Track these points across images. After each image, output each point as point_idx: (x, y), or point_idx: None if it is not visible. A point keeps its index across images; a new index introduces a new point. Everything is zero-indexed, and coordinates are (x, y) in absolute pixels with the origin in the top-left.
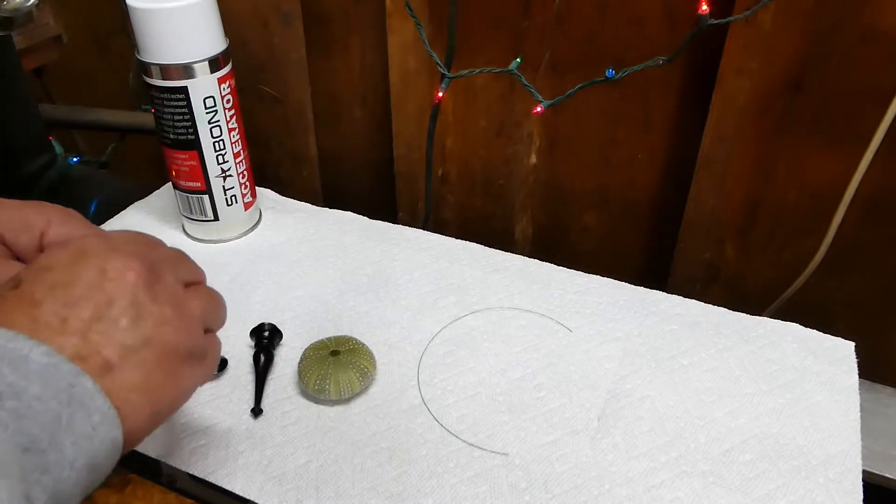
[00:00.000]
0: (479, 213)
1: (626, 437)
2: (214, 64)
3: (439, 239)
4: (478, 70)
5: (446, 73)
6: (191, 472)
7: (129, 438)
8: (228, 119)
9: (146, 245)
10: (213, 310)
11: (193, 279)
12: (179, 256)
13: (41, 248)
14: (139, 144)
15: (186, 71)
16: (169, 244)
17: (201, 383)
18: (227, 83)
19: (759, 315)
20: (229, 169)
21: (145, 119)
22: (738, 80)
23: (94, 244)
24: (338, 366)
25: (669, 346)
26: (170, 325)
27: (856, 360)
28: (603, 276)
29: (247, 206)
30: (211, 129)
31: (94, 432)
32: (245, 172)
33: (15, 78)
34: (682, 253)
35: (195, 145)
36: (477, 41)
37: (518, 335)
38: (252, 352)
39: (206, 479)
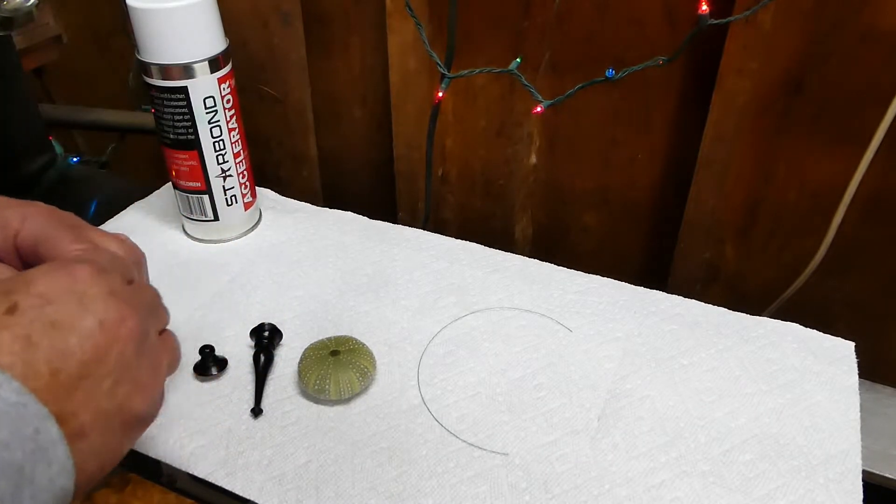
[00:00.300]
0: (479, 213)
1: (626, 437)
2: (214, 64)
3: (439, 239)
4: (478, 70)
5: (446, 73)
6: (191, 472)
7: (75, 492)
8: (228, 119)
9: (137, 287)
10: (175, 360)
11: (164, 324)
12: (156, 299)
13: (15, 248)
14: (139, 144)
15: (186, 71)
16: (169, 244)
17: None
18: (227, 83)
19: (759, 315)
20: (229, 169)
21: (145, 119)
22: (738, 80)
23: (97, 285)
24: (338, 366)
25: (669, 346)
26: (141, 393)
27: (856, 360)
28: (603, 276)
29: (247, 206)
30: (211, 129)
31: (50, 484)
32: (245, 172)
33: (15, 78)
34: (682, 253)
35: (195, 145)
36: (477, 41)
37: (518, 335)
38: (252, 352)
39: (206, 479)
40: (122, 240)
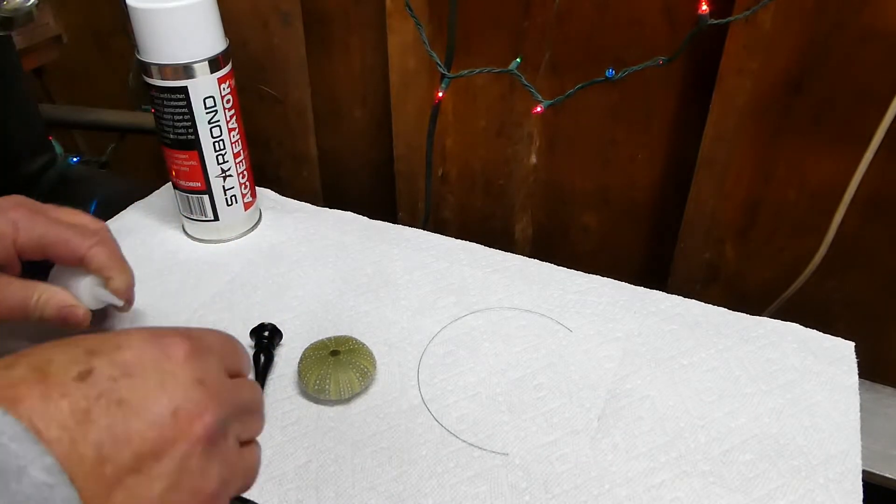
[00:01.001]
0: (479, 213)
1: (626, 437)
2: (214, 64)
3: (439, 239)
4: (478, 70)
5: (446, 73)
6: None
7: None
8: (228, 119)
9: (235, 383)
10: (250, 479)
11: (254, 434)
12: (254, 403)
13: (18, 254)
14: (139, 144)
15: (186, 71)
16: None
17: None
18: (227, 83)
19: (759, 315)
20: (229, 169)
21: (145, 119)
22: (738, 80)
23: (188, 367)
24: (338, 366)
25: (669, 346)
26: (199, 496)
27: (856, 360)
28: (603, 276)
29: (247, 206)
30: (211, 129)
31: None
32: (245, 172)
33: (15, 78)
34: (682, 253)
35: (195, 145)
36: (477, 41)
37: (518, 335)
38: (252, 352)
39: None
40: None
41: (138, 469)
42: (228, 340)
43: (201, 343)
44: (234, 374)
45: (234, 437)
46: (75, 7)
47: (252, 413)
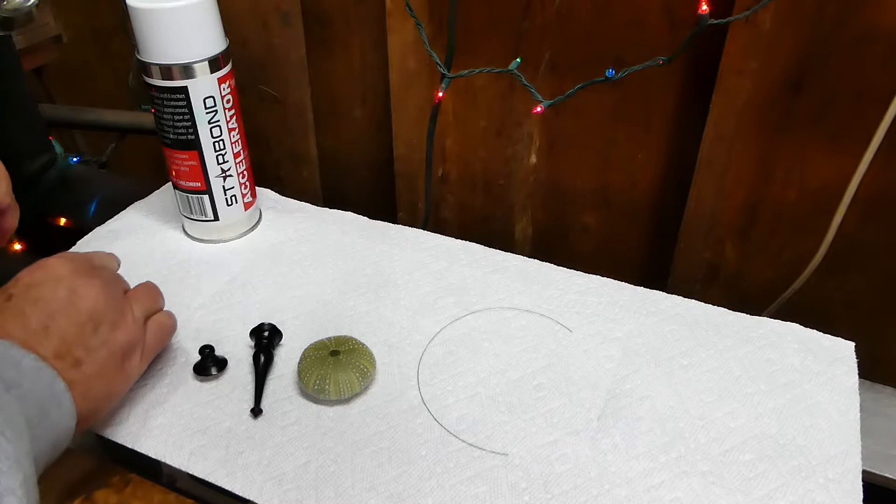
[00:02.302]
0: (479, 213)
1: (625, 437)
2: (214, 64)
3: (439, 239)
4: (478, 70)
5: (446, 73)
6: (191, 472)
7: (91, 416)
8: (228, 119)
9: (96, 267)
10: (151, 300)
11: (125, 287)
12: (114, 275)
13: None
14: (139, 144)
15: (186, 71)
16: (169, 244)
17: (142, 368)
18: (227, 83)
19: (759, 315)
20: (229, 169)
21: (145, 119)
22: (738, 80)
23: (64, 267)
24: (338, 366)
25: (669, 346)
26: (118, 329)
27: (856, 360)
28: (603, 276)
29: (247, 206)
30: (211, 129)
31: (59, 421)
32: (245, 172)
33: (15, 78)
34: (682, 253)
35: (195, 145)
36: (477, 41)
37: (518, 335)
38: (252, 352)
39: (206, 479)
40: None
41: (71, 324)
42: (79, 253)
43: (65, 255)
44: (94, 267)
45: (119, 289)
46: (75, 7)
47: (116, 278)
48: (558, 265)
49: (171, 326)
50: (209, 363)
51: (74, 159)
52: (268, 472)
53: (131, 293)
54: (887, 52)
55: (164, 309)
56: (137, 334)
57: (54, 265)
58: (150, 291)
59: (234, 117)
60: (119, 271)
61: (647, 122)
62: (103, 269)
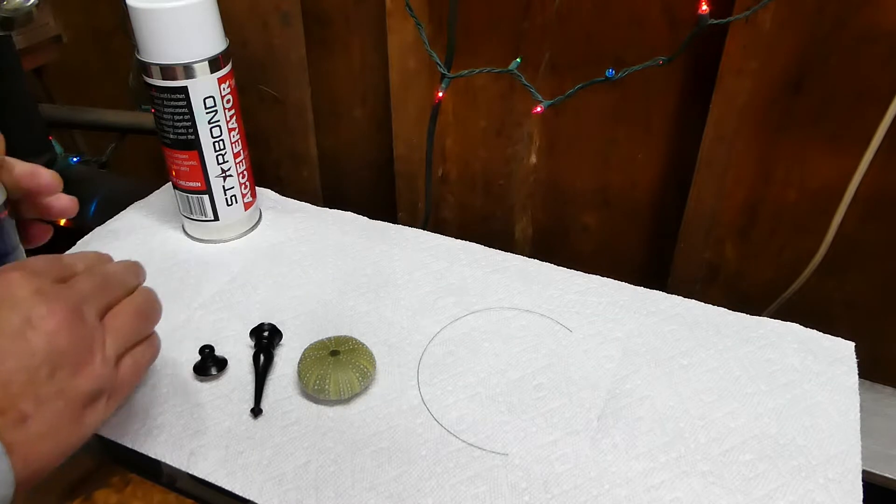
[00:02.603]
0: (479, 213)
1: (626, 437)
2: (214, 64)
3: (439, 239)
4: (478, 70)
5: (446, 73)
6: (191, 472)
7: (33, 480)
8: (228, 119)
9: (69, 285)
10: (135, 328)
11: (122, 294)
12: (95, 289)
13: None
14: (139, 144)
15: (186, 71)
16: (169, 244)
17: (107, 415)
18: (227, 83)
19: (759, 315)
20: (229, 169)
21: (145, 119)
22: (738, 80)
23: (21, 287)
24: (337, 366)
25: (669, 346)
26: (81, 373)
27: (856, 360)
28: (603, 276)
29: (247, 206)
30: (211, 129)
31: None
32: (245, 172)
33: (15, 78)
34: (682, 253)
35: (195, 145)
36: (477, 41)
37: (518, 335)
38: (252, 352)
39: (206, 479)
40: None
41: (21, 367)
42: (54, 259)
43: (30, 266)
44: (66, 279)
45: (94, 312)
46: (75, 7)
47: (97, 293)
48: (558, 265)
49: (149, 361)
50: (209, 363)
51: (74, 159)
52: (268, 472)
53: (111, 318)
54: (887, 52)
55: (153, 330)
56: (106, 378)
57: (12, 281)
58: (140, 313)
59: (234, 117)
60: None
61: (647, 122)
62: (77, 286)
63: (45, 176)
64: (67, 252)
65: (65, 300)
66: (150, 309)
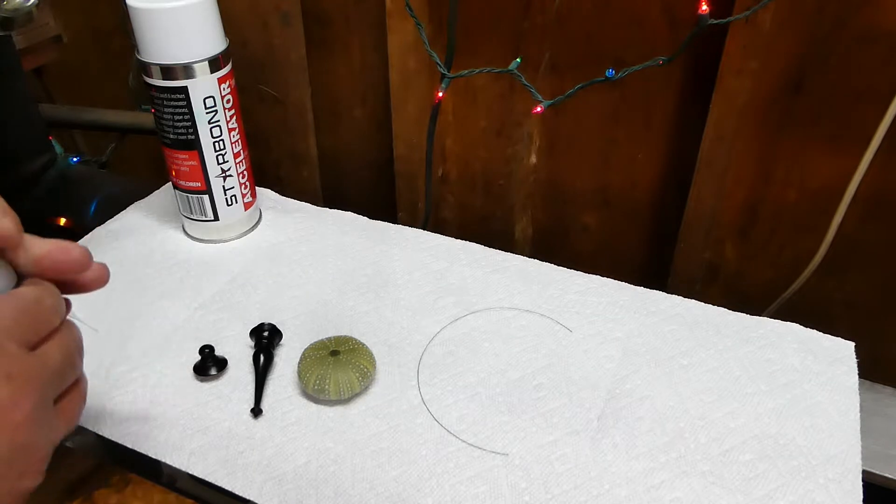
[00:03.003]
0: (479, 213)
1: (626, 437)
2: (214, 64)
3: (439, 239)
4: (478, 70)
5: (446, 73)
6: (191, 472)
7: None
8: (228, 119)
9: (38, 355)
10: (73, 419)
11: (72, 380)
12: (64, 360)
13: None
14: (139, 144)
15: (186, 71)
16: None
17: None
18: (227, 83)
19: (759, 315)
20: (229, 169)
21: (145, 119)
22: (738, 80)
23: None
24: (337, 366)
25: (669, 346)
26: (32, 471)
27: (856, 360)
28: (603, 276)
29: (247, 206)
30: (211, 129)
31: None
32: (245, 172)
33: (15, 78)
34: (682, 253)
35: (195, 145)
36: (477, 41)
37: (518, 335)
38: (252, 352)
39: (206, 479)
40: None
41: None
42: (22, 309)
43: None
44: (40, 341)
45: (53, 397)
46: (75, 7)
47: (65, 369)
48: (558, 265)
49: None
50: (209, 363)
51: (74, 159)
52: (268, 472)
53: (68, 402)
54: (887, 52)
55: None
56: (42, 477)
57: None
58: (84, 396)
59: (234, 117)
60: (118, 272)
61: (647, 122)
62: (49, 362)
63: (75, 252)
64: None
65: (33, 383)
66: (76, 350)
